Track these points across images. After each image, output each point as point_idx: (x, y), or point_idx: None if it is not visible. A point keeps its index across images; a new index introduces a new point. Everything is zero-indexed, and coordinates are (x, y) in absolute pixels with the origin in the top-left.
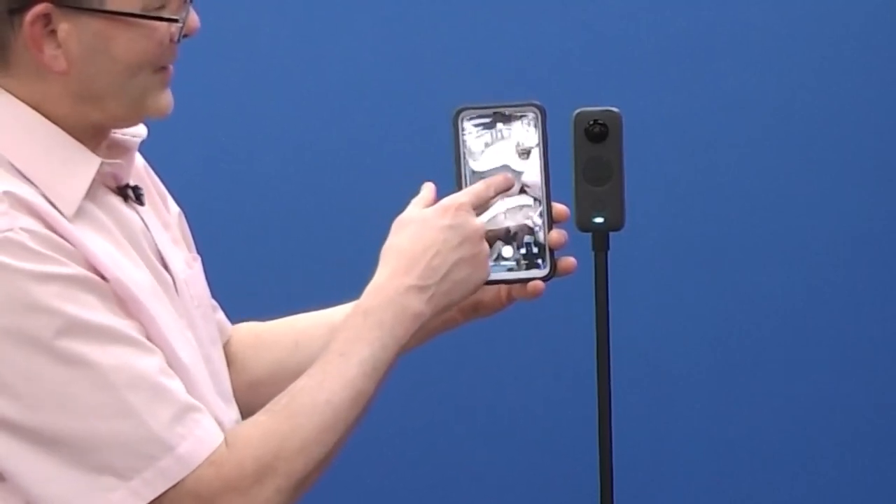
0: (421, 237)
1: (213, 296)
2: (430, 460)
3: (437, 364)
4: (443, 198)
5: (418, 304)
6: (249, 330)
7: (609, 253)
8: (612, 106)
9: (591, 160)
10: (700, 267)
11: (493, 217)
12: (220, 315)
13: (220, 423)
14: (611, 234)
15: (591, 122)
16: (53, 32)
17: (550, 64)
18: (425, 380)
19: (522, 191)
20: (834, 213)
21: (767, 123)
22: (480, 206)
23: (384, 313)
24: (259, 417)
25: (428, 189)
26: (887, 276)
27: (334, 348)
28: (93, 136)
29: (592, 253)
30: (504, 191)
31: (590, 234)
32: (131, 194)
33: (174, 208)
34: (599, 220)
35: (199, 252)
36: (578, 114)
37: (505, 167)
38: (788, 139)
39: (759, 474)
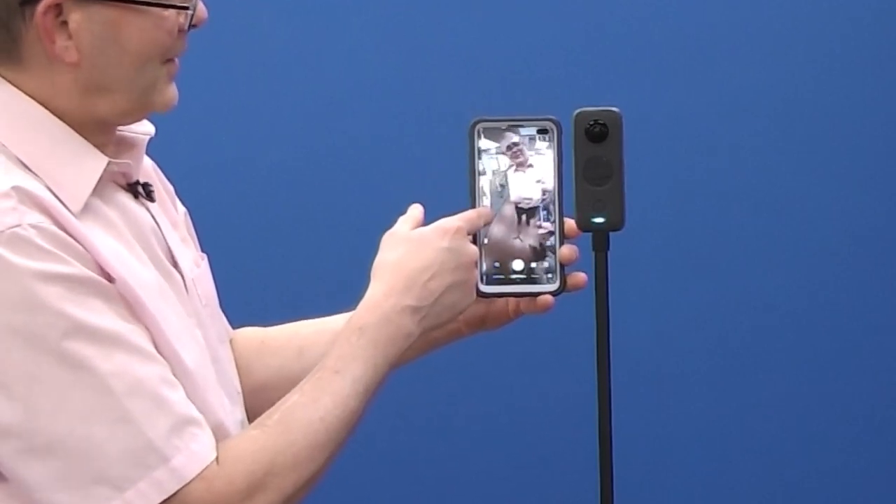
0: (418, 256)
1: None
2: (430, 460)
3: (437, 364)
4: (440, 209)
5: (411, 325)
6: (253, 335)
7: (609, 253)
8: (612, 106)
9: (591, 160)
10: (700, 267)
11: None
12: (223, 317)
13: (224, 425)
14: (611, 234)
15: (591, 122)
16: (65, 23)
17: (550, 64)
18: (424, 380)
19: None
20: (834, 213)
21: (768, 123)
22: (471, 233)
23: (379, 332)
24: (251, 432)
25: (416, 209)
26: (887, 276)
27: (329, 364)
28: (99, 132)
29: (592, 253)
30: (489, 223)
31: (590, 234)
32: (141, 191)
33: (181, 208)
34: (599, 220)
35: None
36: (578, 114)
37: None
38: (789, 139)
39: (759, 474)
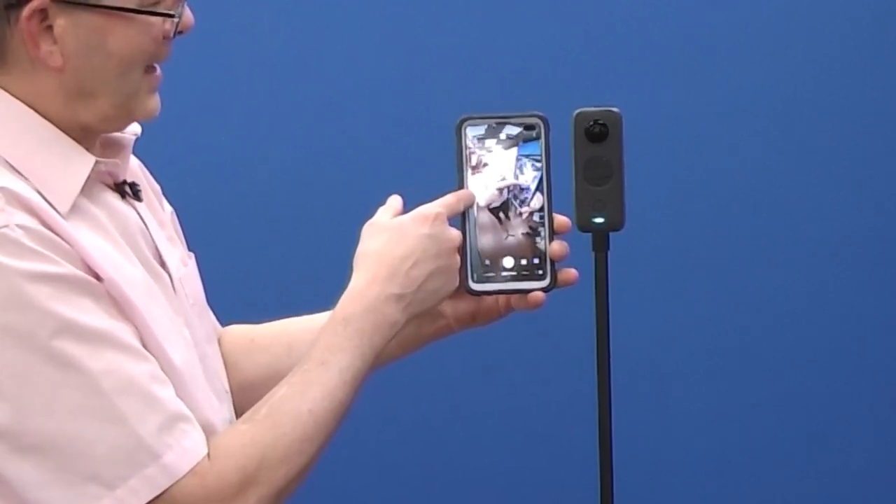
0: (399, 244)
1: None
2: (430, 460)
3: (436, 364)
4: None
5: (396, 313)
6: (242, 332)
7: (609, 253)
8: (612, 106)
9: (591, 160)
10: (700, 267)
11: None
12: (211, 315)
13: (212, 424)
14: (611, 234)
15: (591, 122)
16: (50, 28)
17: (550, 64)
18: (424, 379)
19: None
20: (834, 212)
21: (767, 123)
22: (452, 218)
23: (364, 322)
24: (240, 426)
25: (395, 199)
26: (887, 276)
27: (315, 356)
28: (83, 137)
29: (592, 253)
30: (470, 205)
31: (590, 234)
32: (128, 191)
33: (167, 207)
34: (599, 220)
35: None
36: (578, 114)
37: (504, 176)
38: (789, 139)
39: (759, 474)
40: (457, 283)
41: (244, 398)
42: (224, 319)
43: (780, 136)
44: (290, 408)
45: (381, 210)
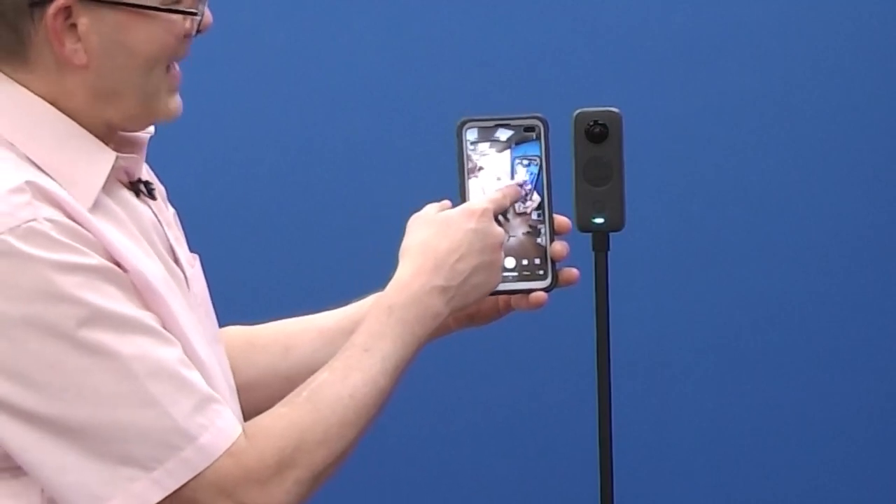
0: (446, 237)
1: None
2: (430, 460)
3: (437, 363)
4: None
5: (440, 305)
6: (239, 333)
7: (609, 253)
8: (612, 106)
9: (591, 160)
10: (700, 267)
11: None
12: (215, 317)
13: None
14: (611, 234)
15: (591, 123)
16: (74, 26)
17: (550, 64)
18: (424, 379)
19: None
20: (834, 212)
21: (768, 123)
22: (498, 214)
23: (408, 311)
24: (280, 409)
25: (445, 202)
26: (887, 276)
27: (358, 342)
28: (104, 134)
29: (592, 253)
30: (516, 201)
31: (590, 234)
32: (143, 189)
33: (170, 209)
34: (599, 220)
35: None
36: (578, 114)
37: (500, 178)
38: (789, 139)
39: (759, 474)
40: (500, 279)
41: (242, 399)
42: (221, 320)
43: (779, 136)
44: (330, 392)
45: (429, 205)
